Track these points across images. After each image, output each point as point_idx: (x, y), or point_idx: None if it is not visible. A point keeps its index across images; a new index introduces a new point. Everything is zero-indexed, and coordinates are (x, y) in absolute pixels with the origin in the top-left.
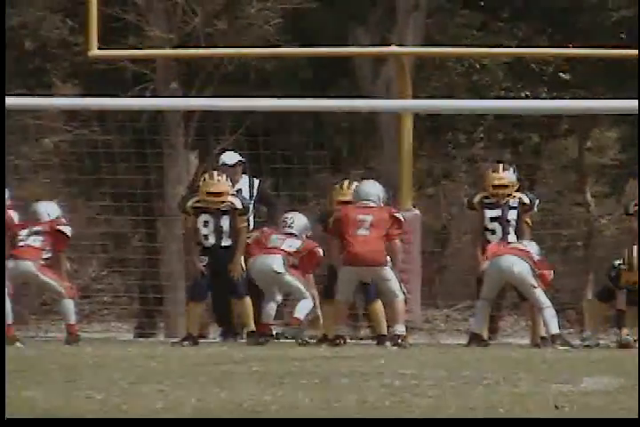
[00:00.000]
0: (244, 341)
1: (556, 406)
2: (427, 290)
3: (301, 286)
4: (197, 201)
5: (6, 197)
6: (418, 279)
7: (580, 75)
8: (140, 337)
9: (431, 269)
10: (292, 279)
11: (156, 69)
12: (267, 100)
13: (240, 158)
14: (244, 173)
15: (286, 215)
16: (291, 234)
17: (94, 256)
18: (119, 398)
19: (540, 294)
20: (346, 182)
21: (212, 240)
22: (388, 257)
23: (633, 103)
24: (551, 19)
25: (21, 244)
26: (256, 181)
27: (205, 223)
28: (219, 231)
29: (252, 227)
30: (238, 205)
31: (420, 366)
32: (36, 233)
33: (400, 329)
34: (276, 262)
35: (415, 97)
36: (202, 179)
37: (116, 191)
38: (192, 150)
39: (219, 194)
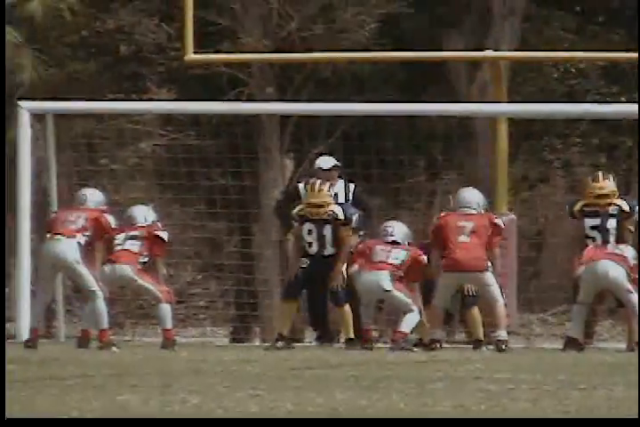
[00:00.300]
0: (339, 345)
1: None
2: (523, 294)
3: (408, 300)
4: (301, 209)
5: (102, 201)
6: (514, 284)
7: None
8: (236, 342)
9: (527, 274)
10: (400, 295)
11: (251, 74)
12: (362, 104)
13: (336, 162)
14: (339, 178)
15: (386, 224)
16: (393, 242)
17: (190, 261)
18: (214, 403)
19: (634, 298)
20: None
21: (314, 248)
22: (489, 263)
23: None
24: None
25: (118, 248)
26: (352, 186)
27: (309, 231)
28: (321, 240)
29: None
30: (340, 215)
31: (515, 370)
32: (134, 238)
33: (503, 334)
34: (384, 279)
35: (510, 101)
36: (305, 189)
37: (210, 197)
38: (287, 155)
39: (320, 205)
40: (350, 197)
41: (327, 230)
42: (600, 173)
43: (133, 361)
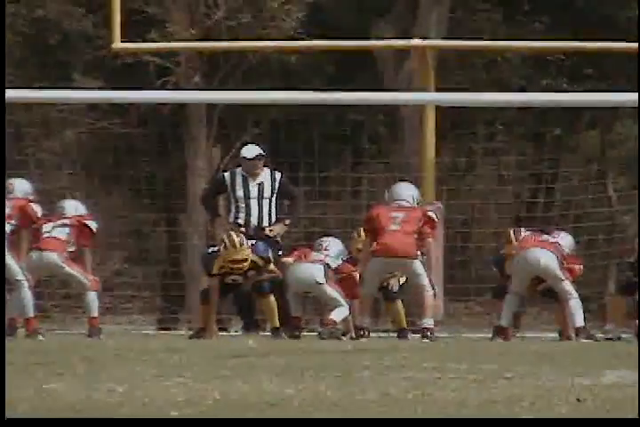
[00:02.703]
0: (266, 334)
1: (578, 400)
2: (449, 283)
3: (337, 296)
4: (221, 267)
5: (29, 190)
6: (440, 273)
7: (602, 67)
8: (163, 330)
9: (453, 263)
10: (330, 290)
11: (178, 63)
12: (288, 93)
13: (260, 152)
14: (265, 167)
15: (322, 240)
16: (327, 257)
17: (116, 251)
18: (141, 391)
19: (567, 285)
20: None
21: (237, 282)
22: (419, 253)
23: None
24: (572, 11)
25: (46, 235)
26: (277, 175)
27: (234, 280)
28: (248, 280)
29: (273, 220)
30: (260, 262)
31: (442, 359)
32: (63, 226)
33: (428, 322)
34: (318, 272)
35: (437, 90)
36: (223, 243)
37: (136, 186)
38: (214, 144)
39: (242, 261)
40: (277, 187)
41: (252, 274)
42: (511, 232)
43: (59, 349)
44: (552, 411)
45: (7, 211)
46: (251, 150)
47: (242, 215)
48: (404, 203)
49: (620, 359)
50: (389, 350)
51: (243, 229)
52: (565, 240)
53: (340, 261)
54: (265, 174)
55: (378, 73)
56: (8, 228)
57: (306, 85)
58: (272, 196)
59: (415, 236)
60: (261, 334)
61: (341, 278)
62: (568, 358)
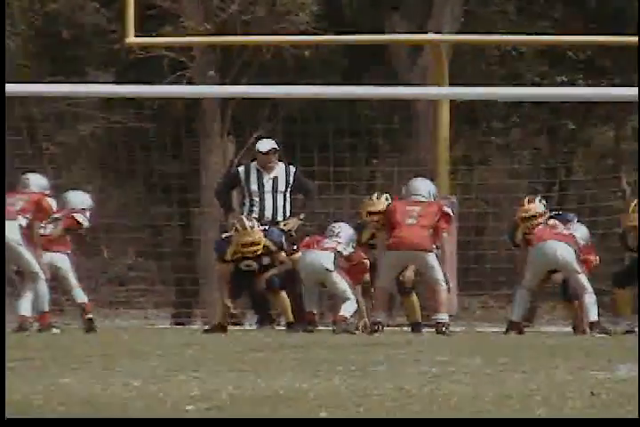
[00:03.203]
0: (280, 329)
1: (592, 393)
2: (463, 278)
3: (346, 288)
4: (234, 253)
5: (45, 185)
6: (454, 267)
7: (617, 61)
8: (177, 325)
9: (468, 257)
10: (340, 279)
11: (192, 57)
12: (303, 87)
13: (274, 146)
14: (280, 161)
15: (334, 225)
16: (339, 244)
17: (130, 245)
18: (155, 386)
19: (583, 279)
20: (375, 195)
21: (251, 268)
22: (434, 246)
23: None
24: (587, 4)
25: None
26: (292, 169)
27: (248, 266)
28: (262, 269)
29: (288, 214)
30: (273, 247)
31: (456, 353)
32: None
33: (442, 317)
34: (328, 259)
35: (452, 84)
36: (234, 228)
37: (151, 180)
38: (228, 138)
39: (254, 244)
40: (291, 181)
41: (266, 260)
42: (526, 199)
43: (74, 344)
44: (566, 405)
45: (22, 204)
46: (265, 144)
47: (256, 209)
48: (420, 198)
49: (633, 353)
50: (404, 345)
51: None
52: (580, 231)
53: (351, 249)
54: (279, 168)
55: (392, 67)
56: (23, 222)
57: (320, 80)
58: (286, 190)
59: (431, 230)
60: (276, 328)
61: (351, 266)
62: (582, 352)
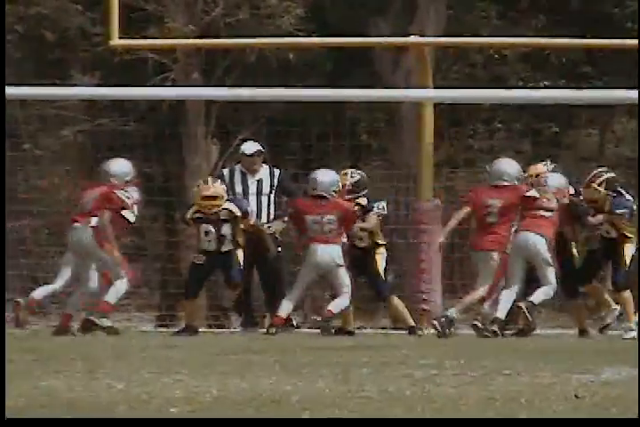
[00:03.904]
0: (263, 331)
1: (576, 396)
2: (448, 281)
3: (348, 282)
4: (196, 211)
5: (123, 173)
6: (438, 270)
7: (600, 66)
8: (161, 327)
9: (452, 260)
10: (344, 274)
11: (176, 60)
12: (287, 90)
13: (259, 148)
14: (264, 163)
15: (312, 176)
16: (320, 197)
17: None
18: (139, 388)
19: (551, 274)
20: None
21: (213, 246)
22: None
23: None
24: (570, 8)
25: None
26: (277, 171)
27: (207, 233)
28: (221, 238)
29: (272, 217)
30: (237, 211)
31: (440, 356)
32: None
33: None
34: (337, 253)
35: (435, 87)
36: (197, 185)
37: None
38: (212, 141)
39: (214, 197)
40: (275, 183)
41: (226, 229)
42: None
43: (57, 346)
44: (550, 408)
45: (91, 204)
46: (250, 147)
47: None
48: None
49: (618, 356)
50: (388, 347)
51: (242, 225)
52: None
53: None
54: (264, 171)
55: (376, 70)
56: (94, 222)
57: (304, 82)
58: (271, 192)
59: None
60: (260, 331)
61: (342, 218)
62: (566, 355)
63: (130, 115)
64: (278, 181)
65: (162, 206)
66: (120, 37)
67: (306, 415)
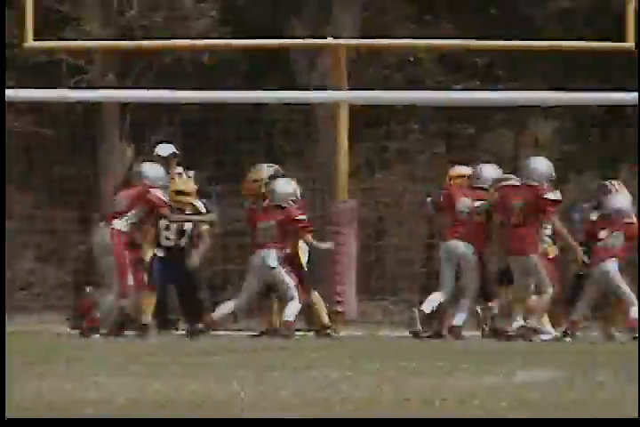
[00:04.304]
0: (180, 333)
1: (489, 397)
2: (363, 282)
3: (291, 284)
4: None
5: (157, 176)
6: (353, 271)
7: (513, 68)
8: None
9: (368, 262)
10: (286, 276)
11: (92, 62)
12: (202, 92)
13: (174, 150)
14: (178, 166)
15: (273, 185)
16: (276, 206)
17: (29, 249)
18: (54, 391)
19: (474, 280)
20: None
21: (172, 242)
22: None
23: (578, 95)
24: (485, 11)
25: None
26: (191, 173)
27: (167, 227)
28: (180, 234)
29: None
30: (203, 209)
31: (355, 357)
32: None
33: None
34: (270, 256)
35: (351, 89)
36: (171, 178)
37: (50, 185)
38: (127, 142)
39: (187, 193)
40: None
41: (187, 225)
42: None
43: None
44: (465, 409)
45: (124, 204)
46: (165, 149)
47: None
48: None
49: (534, 358)
50: (305, 349)
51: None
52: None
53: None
54: (178, 173)
55: (292, 72)
56: (121, 224)
57: (220, 84)
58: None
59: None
60: (176, 333)
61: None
62: (482, 357)
63: (44, 116)
64: (193, 183)
65: (77, 209)
66: (35, 39)
67: (221, 417)
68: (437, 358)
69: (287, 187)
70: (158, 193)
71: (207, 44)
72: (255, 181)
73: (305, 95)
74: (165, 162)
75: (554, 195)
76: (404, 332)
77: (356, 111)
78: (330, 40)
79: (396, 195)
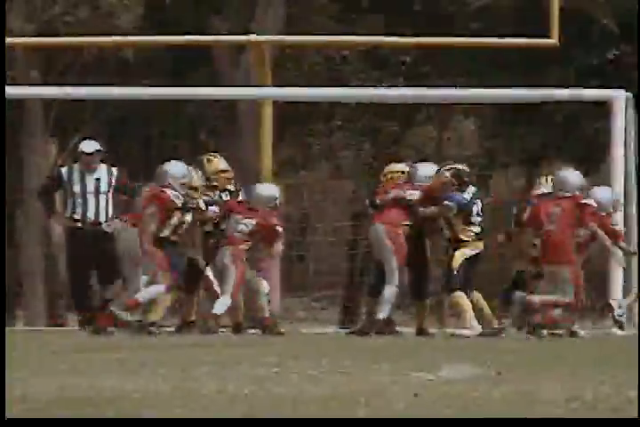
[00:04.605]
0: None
1: (415, 395)
2: (286, 279)
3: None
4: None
5: (179, 174)
6: (277, 268)
7: (438, 64)
8: None
9: (291, 258)
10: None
11: (15, 58)
12: (126, 88)
13: (98, 147)
14: (102, 162)
15: (257, 188)
16: (250, 209)
17: None
18: None
19: (394, 267)
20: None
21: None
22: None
23: (496, 92)
24: (410, 8)
25: None
26: (114, 170)
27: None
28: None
29: (110, 216)
30: (202, 205)
31: (281, 354)
32: None
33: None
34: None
35: (275, 86)
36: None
37: None
38: (51, 139)
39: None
40: (114, 182)
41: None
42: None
43: None
44: (389, 406)
45: (142, 203)
46: (89, 145)
47: (78, 210)
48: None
49: (456, 354)
50: (229, 346)
51: (79, 224)
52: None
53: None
54: (102, 170)
55: (216, 69)
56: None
57: (143, 81)
58: (109, 191)
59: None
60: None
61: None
62: (405, 354)
63: None
64: (116, 180)
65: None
66: None
67: (145, 415)
68: (360, 355)
69: (270, 190)
70: (170, 193)
71: (131, 40)
72: (223, 171)
73: (229, 92)
74: (90, 158)
75: (590, 201)
76: (328, 328)
77: (280, 108)
78: (252, 37)
79: (319, 191)
